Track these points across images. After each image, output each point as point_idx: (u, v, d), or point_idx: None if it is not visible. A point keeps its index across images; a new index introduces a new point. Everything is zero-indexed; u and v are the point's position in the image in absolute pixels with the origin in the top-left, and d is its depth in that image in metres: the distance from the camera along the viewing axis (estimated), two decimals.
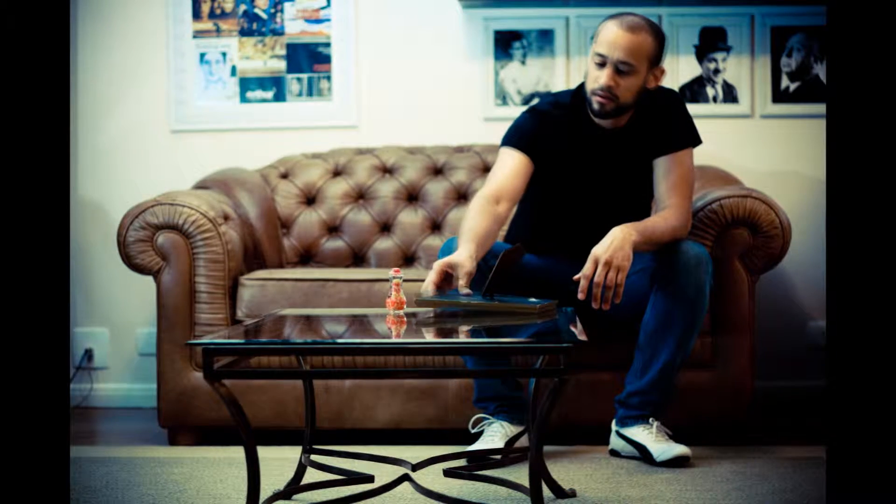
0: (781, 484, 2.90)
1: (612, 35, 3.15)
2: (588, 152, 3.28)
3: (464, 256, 2.89)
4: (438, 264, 2.87)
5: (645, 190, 3.31)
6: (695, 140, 3.29)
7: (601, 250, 3.02)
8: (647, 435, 3.18)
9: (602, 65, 3.16)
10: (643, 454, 3.16)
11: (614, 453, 3.26)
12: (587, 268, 3.01)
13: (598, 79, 3.17)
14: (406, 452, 3.06)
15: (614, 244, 3.03)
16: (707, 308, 3.20)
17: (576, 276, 3.04)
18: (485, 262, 3.02)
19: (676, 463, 3.09)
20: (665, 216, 3.19)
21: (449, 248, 3.08)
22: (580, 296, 3.01)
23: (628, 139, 3.28)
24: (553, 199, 3.33)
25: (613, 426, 3.28)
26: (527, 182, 3.25)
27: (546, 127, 3.27)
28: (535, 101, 3.52)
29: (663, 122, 3.27)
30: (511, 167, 3.23)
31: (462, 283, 2.83)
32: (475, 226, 3.05)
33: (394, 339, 2.62)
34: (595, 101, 3.20)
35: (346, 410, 3.53)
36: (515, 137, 3.27)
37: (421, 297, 2.80)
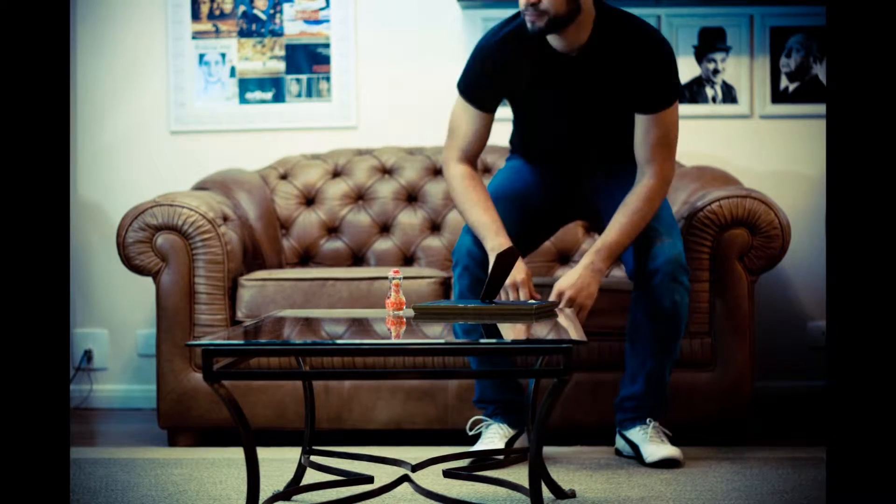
0: (781, 484, 2.90)
1: None
2: (551, 80, 3.19)
3: (520, 267, 3.08)
4: (521, 285, 3.07)
5: (623, 113, 3.19)
6: (674, 97, 3.18)
7: (566, 285, 3.08)
8: (643, 436, 3.18)
9: None
10: (636, 454, 3.17)
11: (619, 453, 3.27)
12: (552, 298, 3.07)
13: None
14: (406, 453, 3.06)
15: (579, 282, 3.07)
16: (687, 315, 3.20)
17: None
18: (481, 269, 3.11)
19: (665, 465, 3.09)
20: (639, 194, 3.14)
21: (462, 246, 3.18)
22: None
23: (592, 65, 3.16)
24: (532, 124, 3.29)
25: (617, 427, 3.28)
26: (490, 129, 3.24)
27: (501, 67, 3.19)
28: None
29: (644, 74, 3.14)
30: (472, 129, 3.22)
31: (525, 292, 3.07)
32: (492, 219, 3.13)
33: (393, 340, 2.62)
34: (527, 22, 3.09)
35: (346, 411, 3.53)
36: (470, 91, 3.22)
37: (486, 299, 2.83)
